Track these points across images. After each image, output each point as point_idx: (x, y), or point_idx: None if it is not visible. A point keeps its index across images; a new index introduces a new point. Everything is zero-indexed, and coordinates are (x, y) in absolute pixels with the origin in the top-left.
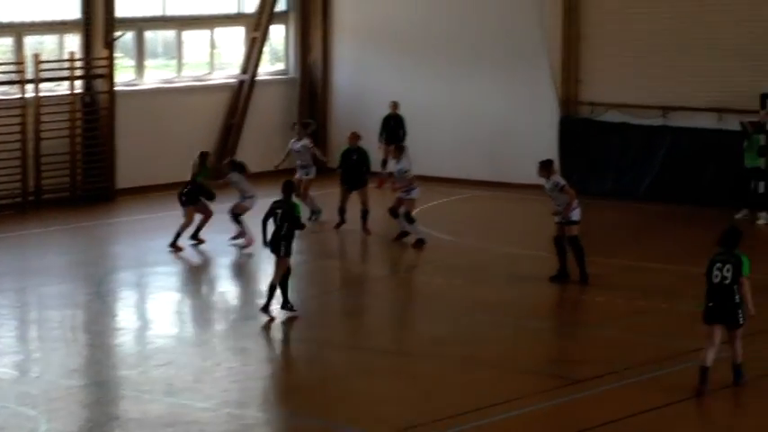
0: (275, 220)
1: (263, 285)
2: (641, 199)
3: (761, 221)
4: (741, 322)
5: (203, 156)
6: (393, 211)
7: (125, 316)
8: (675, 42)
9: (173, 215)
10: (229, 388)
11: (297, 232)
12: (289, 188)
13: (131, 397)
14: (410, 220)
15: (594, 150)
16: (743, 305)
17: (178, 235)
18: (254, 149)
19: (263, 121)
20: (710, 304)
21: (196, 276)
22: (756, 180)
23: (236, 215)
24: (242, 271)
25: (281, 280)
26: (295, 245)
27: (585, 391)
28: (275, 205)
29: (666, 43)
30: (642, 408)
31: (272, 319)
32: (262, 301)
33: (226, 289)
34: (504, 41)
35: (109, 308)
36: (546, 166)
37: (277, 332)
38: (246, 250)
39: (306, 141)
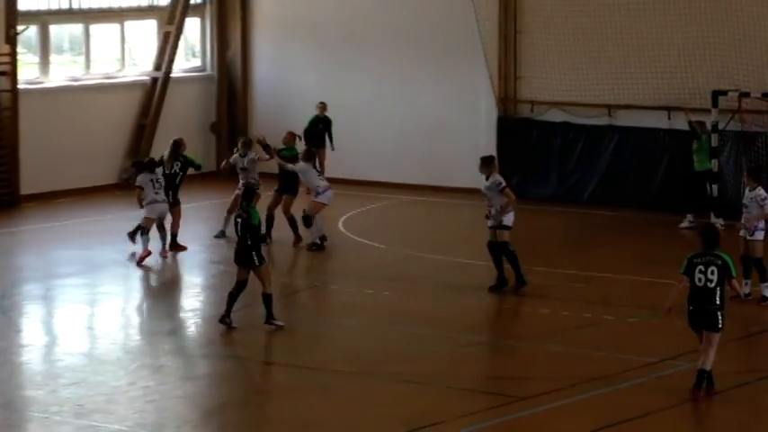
0: (236, 230)
1: (182, 299)
2: (586, 204)
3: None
4: (720, 327)
5: (177, 145)
6: (308, 218)
7: (31, 332)
8: (623, 36)
9: (81, 222)
10: (145, 409)
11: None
12: (249, 195)
13: (39, 419)
14: (308, 222)
15: (535, 152)
16: (724, 309)
17: (174, 236)
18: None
19: (178, 122)
20: (691, 308)
21: (109, 289)
22: (711, 183)
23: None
24: (160, 283)
25: (233, 291)
26: (217, 254)
27: (529, 410)
28: (236, 213)
29: (613, 37)
30: (590, 427)
31: (231, 328)
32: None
33: (142, 303)
34: (438, 36)
35: (13, 323)
36: (487, 163)
37: (196, 348)
38: (144, 262)
39: (253, 155)
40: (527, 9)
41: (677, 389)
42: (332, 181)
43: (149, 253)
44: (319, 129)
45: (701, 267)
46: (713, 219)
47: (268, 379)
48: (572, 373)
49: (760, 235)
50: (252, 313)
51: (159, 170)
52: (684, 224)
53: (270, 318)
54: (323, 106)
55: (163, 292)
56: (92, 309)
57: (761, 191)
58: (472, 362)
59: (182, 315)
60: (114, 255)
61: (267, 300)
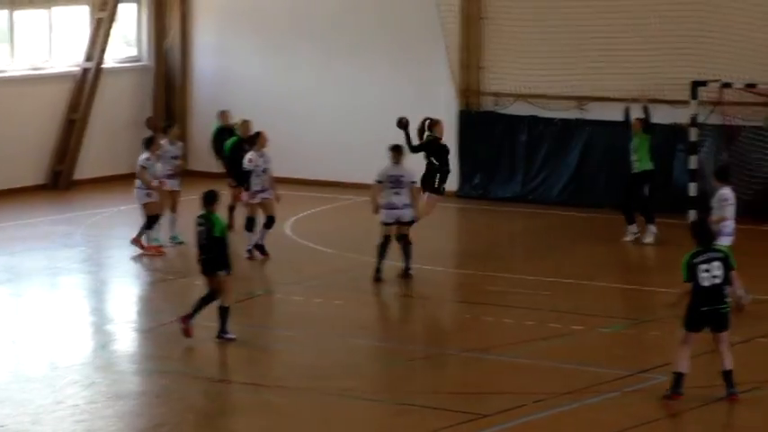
0: (199, 238)
1: (116, 309)
2: (554, 204)
3: (648, 240)
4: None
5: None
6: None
7: None
8: (596, 23)
9: (4, 227)
10: (74, 429)
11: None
12: (210, 199)
13: None
14: (250, 226)
15: (500, 148)
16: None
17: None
18: (101, 149)
19: (112, 116)
20: (704, 309)
21: (35, 298)
22: (650, 185)
23: None
24: (91, 292)
25: (205, 297)
26: (157, 262)
27: (491, 428)
28: (197, 220)
29: (586, 24)
30: None
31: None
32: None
33: (71, 313)
34: (393, 22)
35: None
36: (399, 150)
37: (130, 364)
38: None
39: (180, 144)
40: None
41: (651, 404)
42: (277, 180)
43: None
44: (226, 141)
45: (705, 266)
46: (692, 217)
47: (207, 397)
48: (538, 387)
49: (725, 240)
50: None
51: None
52: (629, 237)
53: (223, 332)
54: (225, 115)
55: (95, 301)
56: (16, 321)
57: (724, 191)
58: (430, 376)
59: (115, 327)
60: (42, 262)
61: (224, 313)
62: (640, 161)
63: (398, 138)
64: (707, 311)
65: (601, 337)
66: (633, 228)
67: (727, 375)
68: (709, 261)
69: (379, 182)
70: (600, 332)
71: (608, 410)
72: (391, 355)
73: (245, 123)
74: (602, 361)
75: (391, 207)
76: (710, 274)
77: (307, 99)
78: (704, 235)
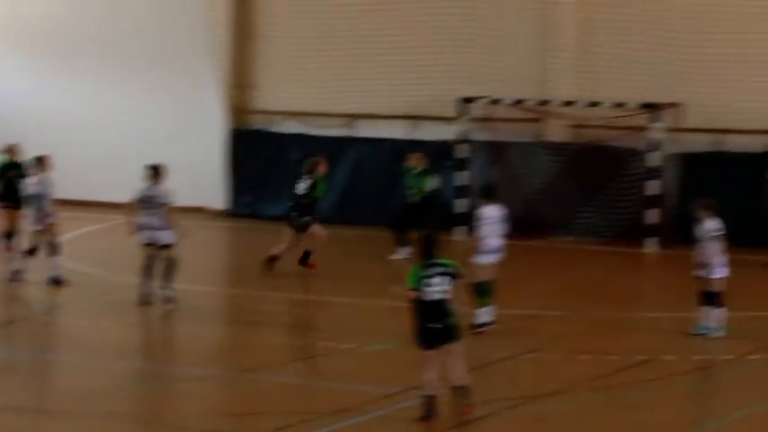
0: None
1: None
2: (325, 222)
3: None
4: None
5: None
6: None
7: None
8: (366, 41)
9: None
10: None
11: None
12: None
13: None
14: (54, 251)
15: (271, 167)
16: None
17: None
18: None
19: None
20: (430, 325)
21: None
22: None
23: None
24: None
25: None
26: None
27: None
28: None
29: (355, 42)
30: None
31: None
32: None
33: None
34: (164, 40)
35: None
36: (155, 170)
37: None
38: None
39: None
40: (262, 10)
41: (416, 423)
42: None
43: None
44: (12, 179)
45: (428, 281)
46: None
47: None
48: (305, 407)
49: (484, 258)
50: None
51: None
52: (398, 256)
53: None
54: (12, 149)
55: None
56: None
57: (484, 209)
58: (196, 398)
59: None
60: None
61: None
62: (419, 191)
63: (173, 157)
64: (434, 327)
65: (369, 355)
66: (406, 250)
67: (458, 390)
68: (432, 276)
69: (135, 201)
70: (368, 350)
71: (374, 429)
72: (161, 376)
73: (12, 147)
74: (369, 379)
75: (146, 228)
76: (434, 288)
77: (78, 121)
78: (428, 249)
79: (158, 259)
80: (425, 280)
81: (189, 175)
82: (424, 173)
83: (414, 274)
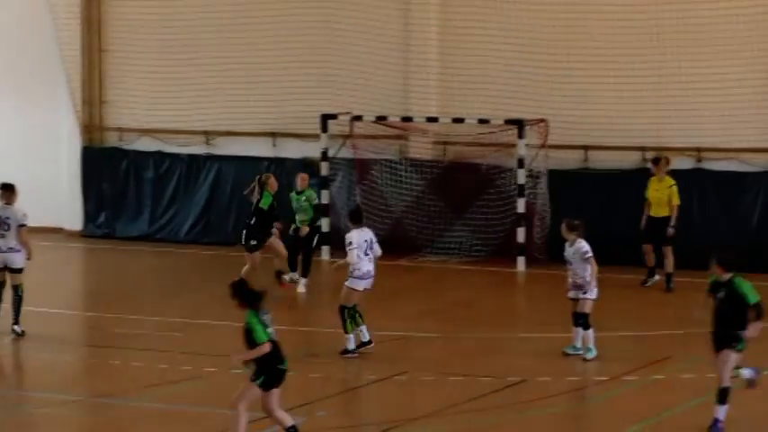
0: None
1: None
2: (184, 242)
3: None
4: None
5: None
6: None
7: None
8: (221, 57)
9: None
10: None
11: None
12: None
13: None
14: None
15: (125, 185)
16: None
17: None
18: None
19: None
20: (284, 367)
21: None
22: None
23: None
24: None
25: None
26: None
27: None
28: None
29: (210, 57)
30: None
31: None
32: None
33: None
34: (12, 55)
35: None
36: (9, 190)
37: None
38: None
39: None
40: (111, 23)
41: None
42: None
43: None
44: None
45: (268, 322)
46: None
47: None
48: None
49: (358, 284)
50: None
51: None
52: (296, 282)
53: None
54: None
55: None
56: None
57: (349, 233)
58: (54, 425)
59: None
60: None
61: None
62: (308, 219)
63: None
64: (283, 369)
65: (234, 379)
66: (303, 280)
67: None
68: (267, 319)
69: None
70: (233, 374)
71: None
72: (18, 403)
73: None
74: (221, 403)
75: None
76: (271, 329)
77: None
78: (248, 297)
79: (7, 284)
80: (267, 325)
81: (45, 194)
82: (302, 192)
83: (257, 326)
